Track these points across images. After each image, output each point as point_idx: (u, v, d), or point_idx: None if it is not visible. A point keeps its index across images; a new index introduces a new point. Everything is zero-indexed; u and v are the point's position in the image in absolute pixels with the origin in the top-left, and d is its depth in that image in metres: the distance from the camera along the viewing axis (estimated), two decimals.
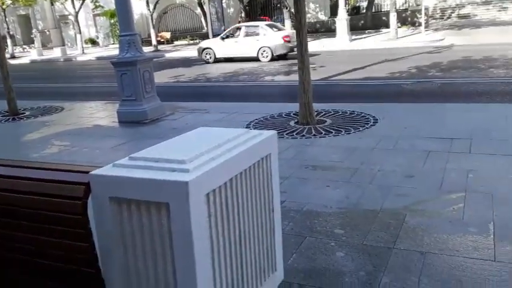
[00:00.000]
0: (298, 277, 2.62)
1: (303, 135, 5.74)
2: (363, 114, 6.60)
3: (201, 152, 1.86)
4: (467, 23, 25.37)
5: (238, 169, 1.96)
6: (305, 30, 6.05)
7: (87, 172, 1.87)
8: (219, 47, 17.76)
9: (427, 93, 8.74)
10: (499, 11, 27.58)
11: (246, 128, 6.33)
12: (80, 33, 29.52)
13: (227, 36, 18.08)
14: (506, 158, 4.32)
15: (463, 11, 28.59)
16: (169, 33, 32.64)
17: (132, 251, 1.84)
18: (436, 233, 2.99)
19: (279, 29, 18.47)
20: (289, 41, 16.61)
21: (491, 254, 2.69)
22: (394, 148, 4.95)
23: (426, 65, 12.22)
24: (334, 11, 24.57)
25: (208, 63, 17.86)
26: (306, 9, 26.50)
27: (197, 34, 32.23)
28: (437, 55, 14.15)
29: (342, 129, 5.86)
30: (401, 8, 26.88)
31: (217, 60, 17.72)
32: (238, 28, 18.47)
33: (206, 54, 18.07)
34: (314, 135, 5.72)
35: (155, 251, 1.80)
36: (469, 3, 28.78)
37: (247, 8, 29.45)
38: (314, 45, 20.11)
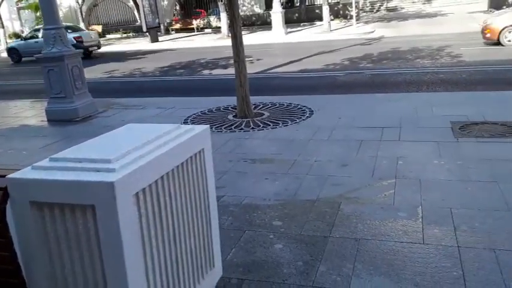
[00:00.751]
0: (237, 272, 2.60)
1: (241, 129, 5.73)
2: (299, 106, 6.70)
3: (128, 150, 1.78)
4: (395, 15, 26.58)
5: (169, 166, 1.90)
6: (239, 22, 6.02)
7: (3, 176, 1.74)
8: None
9: (360, 84, 9.05)
10: (424, 3, 29.16)
11: (184, 123, 6.22)
12: (3, 27, 27.64)
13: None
14: (432, 144, 4.56)
15: (391, 4, 29.93)
16: (100, 26, 31.36)
17: (58, 258, 1.73)
18: (369, 220, 3.09)
19: (74, 30, 19.30)
20: (81, 41, 17.61)
21: (420, 237, 2.82)
22: (330, 139, 5.07)
23: (358, 56, 12.65)
24: (269, 4, 24.76)
25: None
26: (242, 1, 26.43)
27: (131, 27, 31.28)
28: (368, 47, 14.68)
29: (279, 122, 5.92)
30: (333, 1, 27.60)
31: None
32: None
33: None
34: (252, 128, 5.73)
35: (83, 256, 1.70)
36: None
37: (181, 0, 28.96)
38: (251, 38, 20.19)
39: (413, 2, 29.70)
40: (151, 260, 1.81)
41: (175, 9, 31.63)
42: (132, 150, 1.81)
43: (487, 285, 2.32)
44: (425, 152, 4.36)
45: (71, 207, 1.65)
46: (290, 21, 24.80)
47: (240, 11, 20.74)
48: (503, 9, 21.85)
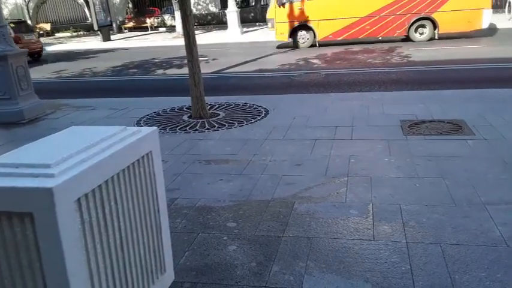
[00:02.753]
0: (190, 275, 2.56)
1: (196, 130, 5.66)
2: (255, 106, 6.71)
3: (70, 154, 1.70)
4: None
5: (114, 170, 1.84)
6: (191, 21, 5.95)
7: None
8: None
9: (314, 83, 9.18)
10: None
11: (137, 124, 6.08)
12: None
13: None
14: (382, 142, 4.68)
15: None
16: (49, 24, 30.21)
17: None
18: (322, 218, 3.13)
19: None
20: None
21: (371, 233, 2.88)
22: (284, 138, 5.10)
23: (313, 56, 12.84)
24: (224, 3, 24.70)
25: None
26: (197, 0, 26.08)
27: (81, 26, 30.32)
28: (322, 47, 14.92)
29: (234, 122, 5.90)
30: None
31: None
32: None
33: None
34: (207, 128, 5.68)
35: (22, 267, 1.61)
36: None
37: None
38: (206, 38, 20.05)
39: None
40: (96, 268, 1.74)
41: (128, 7, 30.95)
42: (74, 154, 1.73)
43: (433, 278, 2.39)
44: (376, 150, 4.47)
45: (7, 215, 1.56)
46: (246, 21, 24.87)
47: (194, 9, 20.43)
48: None
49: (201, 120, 6.00)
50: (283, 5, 14.99)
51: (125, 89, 10.00)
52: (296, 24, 14.97)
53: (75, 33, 29.35)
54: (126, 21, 29.51)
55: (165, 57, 15.03)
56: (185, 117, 6.25)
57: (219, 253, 2.77)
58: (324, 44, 15.10)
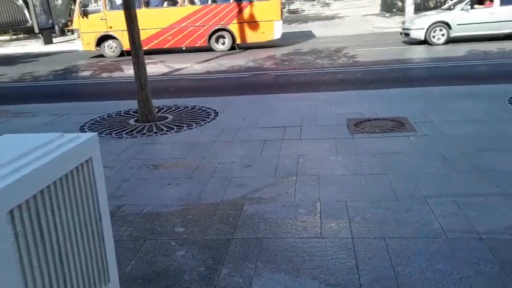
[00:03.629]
0: (136, 284, 2.49)
1: (144, 134, 5.54)
2: (204, 108, 6.66)
3: (1, 164, 1.61)
4: (296, 18, 27.64)
5: (50, 179, 1.75)
6: (136, 22, 5.82)
7: None
8: None
9: (264, 84, 9.25)
10: (323, 6, 30.70)
11: (81, 130, 5.88)
12: None
13: None
14: (329, 141, 4.78)
15: (292, 7, 31.08)
16: None
17: None
18: (271, 218, 3.15)
19: None
20: None
21: (318, 231, 2.94)
22: (234, 140, 5.10)
23: (262, 58, 12.94)
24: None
25: None
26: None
27: (21, 28, 28.92)
28: (271, 49, 15.04)
29: (183, 125, 5.83)
30: None
31: None
32: None
33: None
34: (155, 132, 5.58)
35: None
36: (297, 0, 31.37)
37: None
38: None
39: (313, 5, 31.13)
40: (33, 283, 1.65)
41: (71, 9, 29.86)
42: (5, 163, 1.64)
43: (377, 272, 2.47)
44: (323, 149, 4.56)
45: None
46: None
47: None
48: (393, 12, 23.78)
49: (148, 124, 5.88)
50: (86, 15, 15.07)
51: (68, 94, 9.63)
52: (101, 34, 15.08)
53: (14, 37, 27.97)
54: (69, 24, 28.45)
55: (111, 60, 14.63)
56: (132, 122, 6.10)
57: (166, 259, 2.73)
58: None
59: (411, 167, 3.92)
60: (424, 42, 13.20)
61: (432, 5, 24.67)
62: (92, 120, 6.33)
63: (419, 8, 22.74)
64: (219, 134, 5.34)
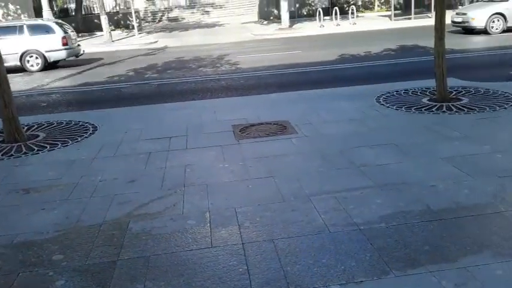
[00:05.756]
0: None
1: (11, 155, 5.00)
2: (81, 123, 6.24)
3: None
4: (176, 25, 27.47)
5: None
6: None
7: None
8: None
9: (146, 94, 8.97)
10: (203, 14, 30.94)
11: None
12: None
13: None
14: (216, 148, 4.77)
15: (172, 14, 30.83)
16: None
17: None
18: (159, 234, 3.02)
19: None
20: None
21: (209, 241, 2.89)
22: (116, 155, 4.84)
23: (143, 67, 12.57)
24: (39, 12, 22.59)
25: None
26: (6, 10, 23.25)
27: None
28: (152, 57, 14.75)
29: (58, 142, 5.38)
30: (112, 11, 26.85)
31: None
32: None
33: None
34: (25, 153, 5.06)
35: None
36: (176, 7, 31.18)
37: None
38: None
39: (192, 13, 31.19)
40: None
41: None
42: None
43: (268, 274, 2.49)
44: (210, 157, 4.53)
45: None
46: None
47: (3, 19, 18.04)
48: (270, 19, 24.80)
49: (16, 144, 5.32)
50: None
51: None
52: None
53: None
54: None
55: None
56: None
57: None
58: None
59: (295, 168, 4.07)
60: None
61: (305, 13, 26.26)
62: None
63: (293, 16, 24.06)
64: (99, 149, 5.02)
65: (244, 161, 4.35)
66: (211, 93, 8.66)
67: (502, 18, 14.62)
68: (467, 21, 15.04)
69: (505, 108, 5.51)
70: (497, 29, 14.66)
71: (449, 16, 13.68)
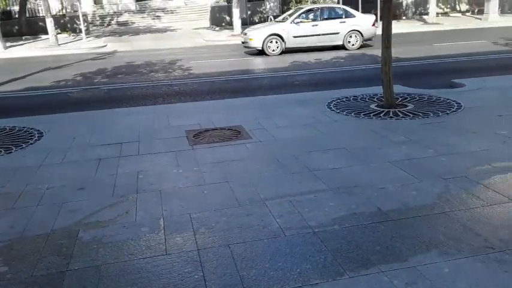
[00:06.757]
0: None
1: None
2: (25, 129, 5.96)
3: None
4: (126, 30, 26.90)
5: None
6: None
7: None
8: None
9: (96, 99, 8.70)
10: (154, 19, 30.51)
11: None
12: None
13: None
14: (170, 154, 4.70)
15: (122, 19, 30.20)
16: None
17: None
18: (111, 242, 2.93)
19: None
20: None
21: (163, 248, 2.83)
22: (64, 161, 4.65)
23: (91, 71, 12.20)
24: None
25: None
26: None
27: None
28: (101, 61, 14.35)
29: (1, 149, 5.10)
30: (58, 14, 25.91)
31: None
32: None
33: None
34: None
35: None
36: (125, 11, 30.58)
37: None
38: None
39: (143, 18, 30.68)
40: None
41: None
42: None
43: (224, 280, 2.48)
44: (164, 163, 4.45)
45: None
46: (9, 35, 22.08)
47: None
48: (222, 26, 24.84)
49: None
50: None
51: None
52: None
53: None
54: None
55: None
56: None
57: None
58: None
59: (250, 173, 4.08)
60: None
61: (257, 20, 26.50)
62: None
63: (245, 23, 24.21)
64: (46, 156, 4.81)
65: (198, 166, 4.31)
66: (164, 98, 8.54)
67: (280, 39, 14.22)
68: (247, 42, 14.66)
69: (447, 114, 5.81)
70: (274, 50, 14.19)
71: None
